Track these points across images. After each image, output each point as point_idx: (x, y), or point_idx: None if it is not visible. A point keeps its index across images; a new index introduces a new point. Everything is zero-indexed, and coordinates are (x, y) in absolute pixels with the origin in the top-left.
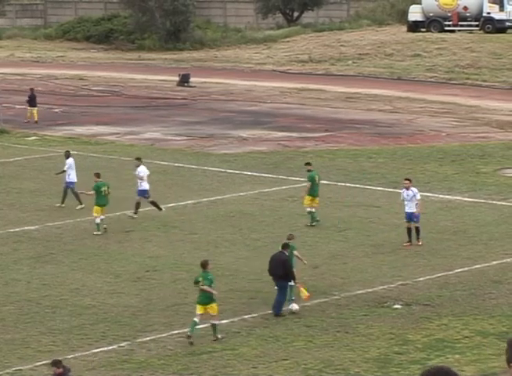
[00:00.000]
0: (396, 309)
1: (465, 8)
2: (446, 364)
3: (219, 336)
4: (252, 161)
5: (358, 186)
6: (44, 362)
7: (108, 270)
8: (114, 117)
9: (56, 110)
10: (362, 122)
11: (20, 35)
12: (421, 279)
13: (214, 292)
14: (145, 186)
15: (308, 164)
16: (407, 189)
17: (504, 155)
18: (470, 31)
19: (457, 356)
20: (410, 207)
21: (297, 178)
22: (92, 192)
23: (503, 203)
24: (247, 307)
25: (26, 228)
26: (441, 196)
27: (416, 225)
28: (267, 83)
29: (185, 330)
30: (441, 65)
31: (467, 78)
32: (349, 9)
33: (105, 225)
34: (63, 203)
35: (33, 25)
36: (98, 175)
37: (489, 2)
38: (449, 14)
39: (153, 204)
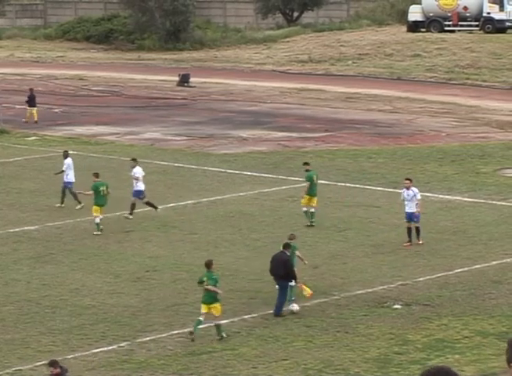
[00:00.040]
0: (396, 309)
1: (465, 8)
2: (446, 364)
3: (224, 334)
4: (252, 161)
5: (358, 186)
6: (44, 362)
7: (108, 270)
8: (114, 117)
9: (56, 110)
10: (361, 122)
11: (20, 35)
12: (421, 279)
13: (219, 291)
14: (140, 186)
15: (306, 163)
16: (407, 189)
17: (504, 155)
18: (470, 31)
19: (457, 356)
20: (410, 207)
21: (297, 179)
22: (91, 192)
23: (503, 203)
24: (247, 307)
25: (26, 228)
26: (440, 196)
27: (417, 225)
28: (267, 83)
29: (186, 330)
30: (441, 65)
31: (467, 78)
32: (349, 9)
33: (101, 227)
34: (62, 203)
35: (33, 25)
36: (96, 175)
37: (489, 2)
38: (449, 14)
39: (149, 204)
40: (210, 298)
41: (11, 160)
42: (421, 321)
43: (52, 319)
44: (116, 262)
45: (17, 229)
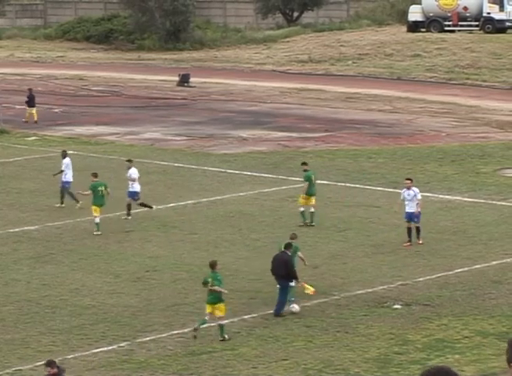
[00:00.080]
0: (396, 309)
1: (465, 8)
2: (446, 364)
3: (226, 336)
4: (252, 161)
5: (358, 186)
6: (43, 362)
7: (108, 270)
8: (114, 117)
9: (56, 110)
10: (361, 122)
11: (20, 35)
12: (421, 279)
13: (224, 291)
14: (136, 187)
15: (304, 163)
16: (408, 188)
17: (504, 155)
18: (470, 31)
19: (457, 356)
20: (411, 207)
21: (297, 179)
22: (89, 192)
23: (503, 203)
24: (247, 307)
25: (26, 228)
26: (440, 196)
27: (417, 225)
28: (267, 83)
29: (186, 330)
30: (441, 65)
31: (467, 78)
32: (349, 9)
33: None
34: (62, 203)
35: (33, 25)
36: (95, 175)
37: (489, 2)
38: (449, 14)
39: (143, 205)
40: (215, 298)
41: (11, 160)
42: (421, 321)
43: (52, 319)
44: (116, 262)
45: (17, 229)
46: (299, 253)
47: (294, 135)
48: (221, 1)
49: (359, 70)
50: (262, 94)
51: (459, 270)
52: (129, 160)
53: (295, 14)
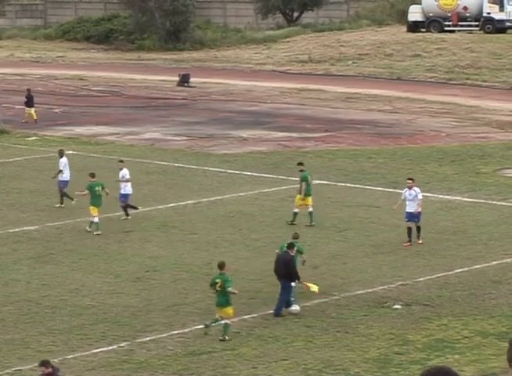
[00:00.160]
0: (396, 309)
1: (465, 8)
2: (446, 364)
3: (227, 337)
4: (252, 161)
5: (358, 186)
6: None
7: (108, 270)
8: (114, 118)
9: (56, 110)
10: (361, 122)
11: (20, 35)
12: (421, 279)
13: (236, 292)
14: (128, 189)
15: (300, 164)
16: (410, 188)
17: (504, 155)
18: (470, 31)
19: (457, 356)
20: (412, 207)
21: (297, 179)
22: (86, 192)
23: (503, 203)
24: (247, 307)
25: (25, 228)
26: (440, 196)
27: (417, 224)
28: (267, 83)
29: (186, 330)
30: (441, 65)
31: (467, 78)
32: (349, 9)
33: (89, 229)
34: (62, 203)
35: (33, 25)
36: (93, 175)
37: (489, 2)
38: (449, 14)
39: (129, 206)
40: (225, 301)
41: (11, 160)
42: (421, 321)
43: (52, 319)
44: (116, 262)
45: (17, 229)
46: (304, 256)
47: (294, 135)
48: (221, 1)
49: (359, 70)
50: (262, 94)
51: (459, 270)
52: (121, 161)
53: (295, 14)
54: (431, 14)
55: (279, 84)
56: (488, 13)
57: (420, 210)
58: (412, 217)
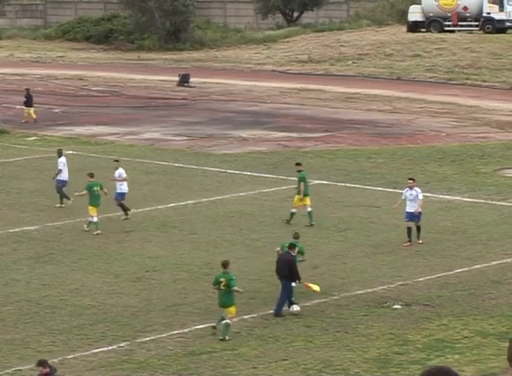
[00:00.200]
0: (396, 309)
1: (465, 8)
2: (446, 364)
3: (227, 337)
4: (252, 161)
5: (357, 186)
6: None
7: (108, 270)
8: (114, 118)
9: (56, 110)
10: (361, 122)
11: (20, 35)
12: (421, 279)
13: (240, 291)
14: (124, 188)
15: (298, 164)
16: (411, 188)
17: (504, 155)
18: (470, 31)
19: (457, 356)
20: (412, 207)
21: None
22: (85, 192)
23: (503, 203)
24: (247, 307)
25: (25, 228)
26: (440, 196)
27: (418, 224)
28: (267, 83)
29: (185, 330)
30: (441, 65)
31: (467, 78)
32: (349, 9)
33: (87, 229)
34: (62, 203)
35: (33, 25)
36: (91, 175)
37: (489, 2)
38: (449, 14)
39: (122, 207)
40: (229, 300)
41: (11, 160)
42: (421, 321)
43: (52, 320)
44: (116, 262)
45: (17, 229)
46: (304, 256)
47: (294, 135)
48: (221, 1)
49: (359, 70)
50: (262, 94)
51: (459, 270)
52: (116, 160)
53: (295, 14)
54: (431, 14)
55: (279, 84)
56: (488, 13)
57: (420, 210)
58: (413, 217)
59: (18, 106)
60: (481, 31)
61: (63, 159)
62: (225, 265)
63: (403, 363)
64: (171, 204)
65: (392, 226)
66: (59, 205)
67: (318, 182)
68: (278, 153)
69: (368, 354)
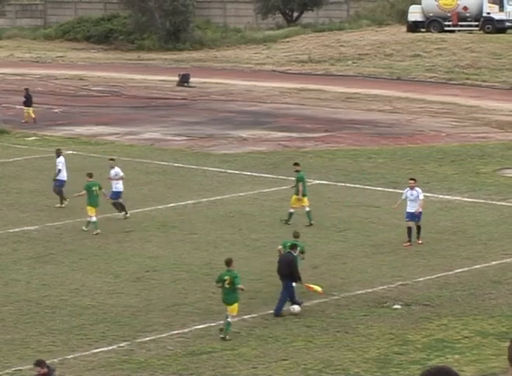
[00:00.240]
0: (396, 309)
1: (465, 8)
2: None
3: (228, 337)
4: (252, 161)
5: (357, 186)
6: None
7: (108, 270)
8: (114, 118)
9: (56, 110)
10: (361, 122)
11: (20, 35)
12: (421, 279)
13: (244, 288)
14: (120, 187)
15: (296, 164)
16: (411, 188)
17: (504, 155)
18: (470, 31)
19: (457, 356)
20: (413, 207)
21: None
22: (84, 192)
23: (503, 203)
24: (247, 307)
25: (25, 228)
26: (440, 196)
27: (418, 224)
28: (267, 83)
29: (185, 330)
30: (441, 65)
31: (467, 78)
32: (349, 9)
33: (86, 229)
34: (61, 203)
35: (33, 25)
36: (90, 175)
37: (489, 2)
38: (449, 14)
39: (119, 206)
40: (233, 298)
41: (11, 160)
42: (421, 321)
43: (52, 320)
44: (116, 262)
45: (17, 229)
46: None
47: (294, 135)
48: (221, 1)
49: (359, 70)
50: (262, 94)
51: (459, 270)
52: (112, 159)
53: (295, 14)
54: (431, 14)
55: (278, 84)
56: (488, 13)
57: (420, 210)
58: (413, 217)
59: (18, 106)
60: (481, 31)
61: (61, 159)
62: (228, 262)
63: (403, 363)
64: (171, 204)
65: (392, 226)
66: (59, 205)
67: (318, 182)
68: (278, 153)
69: (368, 354)
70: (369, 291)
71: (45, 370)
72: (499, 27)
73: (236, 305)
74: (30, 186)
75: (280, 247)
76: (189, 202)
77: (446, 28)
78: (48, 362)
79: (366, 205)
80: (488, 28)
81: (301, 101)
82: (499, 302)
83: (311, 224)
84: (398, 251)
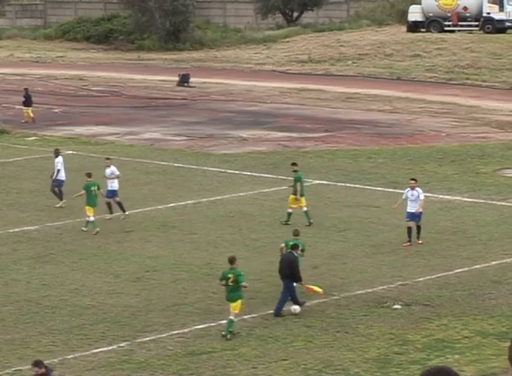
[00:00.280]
0: (396, 309)
1: (465, 8)
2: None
3: (229, 336)
4: (252, 161)
5: (357, 186)
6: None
7: (108, 270)
8: (114, 118)
9: (56, 110)
10: (361, 122)
11: (20, 35)
12: (421, 279)
13: (247, 286)
14: (115, 186)
15: (294, 164)
16: (412, 189)
17: (504, 155)
18: (470, 31)
19: (457, 356)
20: (413, 207)
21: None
22: (83, 192)
23: (503, 203)
24: (247, 307)
25: (25, 228)
26: (440, 196)
27: (418, 223)
28: (267, 83)
29: (185, 330)
30: (441, 65)
31: (467, 78)
32: (349, 9)
33: (85, 229)
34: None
35: (32, 25)
36: (89, 175)
37: (489, 2)
38: (449, 14)
39: (120, 205)
40: (237, 295)
41: (11, 160)
42: (421, 321)
43: (52, 320)
44: (116, 262)
45: (17, 229)
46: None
47: (294, 135)
48: (221, 1)
49: (359, 70)
50: (262, 94)
51: (459, 270)
52: (107, 158)
53: (295, 14)
54: (431, 14)
55: (278, 84)
56: (488, 13)
57: (421, 210)
58: (414, 217)
59: (18, 106)
60: (481, 31)
61: (60, 159)
62: (231, 260)
63: (403, 363)
64: (171, 204)
65: (392, 226)
66: (59, 205)
67: (318, 182)
68: (278, 153)
69: (368, 354)
70: (369, 290)
71: (43, 370)
72: (499, 27)
73: (239, 301)
74: (30, 186)
75: (282, 245)
76: (189, 202)
77: (446, 28)
78: (48, 362)
79: (366, 205)
80: (488, 28)
81: (301, 101)
82: (499, 302)
83: (310, 223)
84: (398, 251)
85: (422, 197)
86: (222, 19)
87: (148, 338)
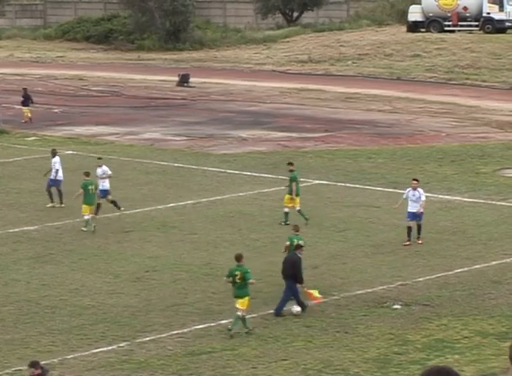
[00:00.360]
0: (396, 309)
1: (465, 8)
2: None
3: (232, 332)
4: (252, 161)
5: (357, 186)
6: (43, 362)
7: (107, 270)
8: (114, 118)
9: (56, 111)
10: (361, 122)
11: (20, 35)
12: (421, 279)
13: (254, 282)
14: (106, 185)
15: (290, 163)
16: (414, 189)
17: (504, 155)
18: (470, 31)
19: (457, 356)
20: (414, 207)
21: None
22: (81, 191)
23: (503, 203)
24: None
25: (25, 228)
26: (440, 196)
27: (419, 223)
28: (266, 83)
29: (185, 330)
30: (441, 65)
31: (467, 78)
32: (349, 9)
33: (85, 229)
34: (61, 203)
35: (32, 25)
36: (87, 174)
37: (489, 2)
38: (449, 14)
39: (114, 203)
40: (244, 292)
41: (11, 160)
42: (421, 321)
43: (52, 320)
44: (116, 262)
45: (17, 229)
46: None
47: (294, 135)
48: (221, 1)
49: (359, 70)
50: (262, 94)
51: (458, 270)
52: (99, 158)
53: (295, 14)
54: (431, 14)
55: (278, 84)
56: (488, 13)
57: (422, 210)
58: (415, 217)
59: (17, 106)
60: (480, 31)
61: (57, 159)
62: (238, 258)
63: (403, 363)
64: (171, 204)
65: (392, 226)
66: (59, 205)
67: (317, 182)
68: (278, 153)
69: (368, 354)
70: (369, 291)
71: (39, 371)
72: (498, 27)
73: (246, 298)
74: (30, 186)
75: (288, 243)
76: (189, 202)
77: (446, 28)
78: (48, 362)
79: (366, 205)
80: (488, 28)
81: (301, 101)
82: (499, 302)
83: (306, 219)
84: (398, 251)
85: (423, 197)
86: (222, 19)
87: (148, 338)
